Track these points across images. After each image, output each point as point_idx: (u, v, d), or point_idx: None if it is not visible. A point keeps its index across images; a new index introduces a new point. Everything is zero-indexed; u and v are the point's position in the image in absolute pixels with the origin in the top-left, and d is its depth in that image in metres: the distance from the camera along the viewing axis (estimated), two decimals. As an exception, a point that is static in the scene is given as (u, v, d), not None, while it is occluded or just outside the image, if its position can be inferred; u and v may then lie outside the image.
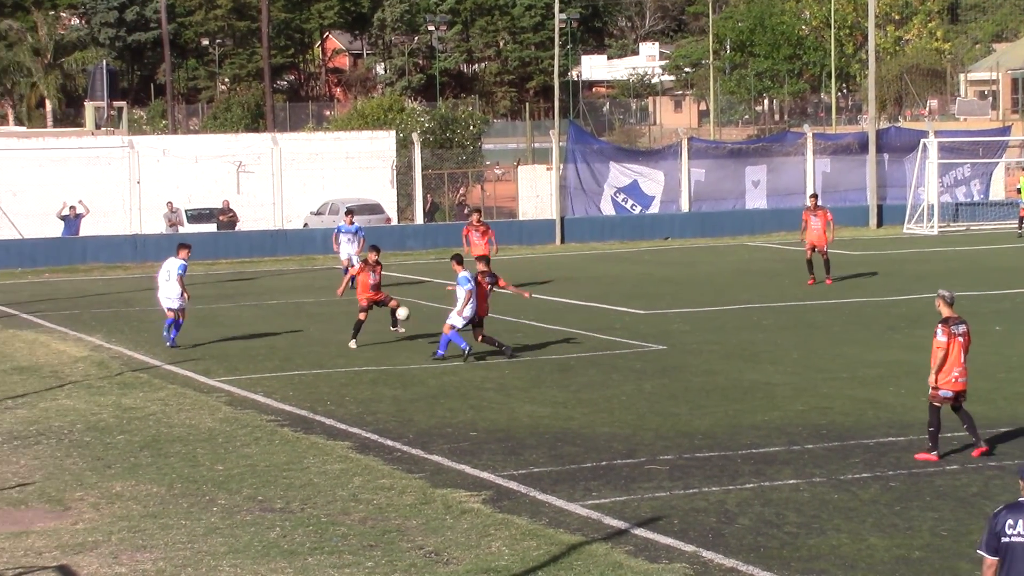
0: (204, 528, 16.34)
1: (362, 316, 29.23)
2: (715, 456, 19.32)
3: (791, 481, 17.97)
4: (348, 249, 39.23)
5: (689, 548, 15.23)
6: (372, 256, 29.49)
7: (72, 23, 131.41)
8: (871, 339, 29.29)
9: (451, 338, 27.28)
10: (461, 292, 27.32)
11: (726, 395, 23.61)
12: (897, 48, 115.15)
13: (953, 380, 18.80)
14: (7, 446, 20.90)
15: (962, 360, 18.83)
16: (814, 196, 40.77)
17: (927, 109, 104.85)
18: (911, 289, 37.04)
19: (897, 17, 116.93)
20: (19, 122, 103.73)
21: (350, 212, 42.07)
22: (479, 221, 37.19)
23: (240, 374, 26.45)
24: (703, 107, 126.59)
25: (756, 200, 58.36)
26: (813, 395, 23.38)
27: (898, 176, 58.98)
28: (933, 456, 18.84)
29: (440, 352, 27.47)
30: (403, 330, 30.05)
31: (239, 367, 27.25)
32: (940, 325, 18.82)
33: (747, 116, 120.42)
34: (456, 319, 27.34)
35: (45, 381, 26.24)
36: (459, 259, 28.17)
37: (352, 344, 29.06)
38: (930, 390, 18.90)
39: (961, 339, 18.80)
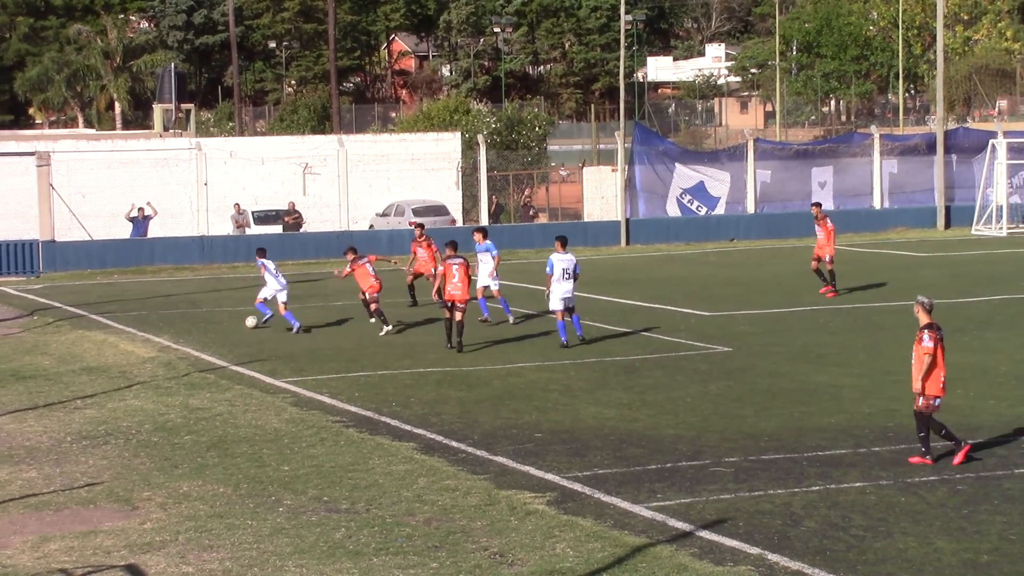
0: (270, 528, 16.40)
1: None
2: (781, 458, 19.23)
3: (857, 484, 17.86)
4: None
5: (754, 551, 15.19)
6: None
7: (141, 26, 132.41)
8: (939, 341, 29.01)
9: (501, 304, 31.53)
10: (488, 260, 31.44)
11: (792, 397, 23.49)
12: (966, 48, 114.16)
13: (941, 386, 18.65)
14: (76, 446, 21.06)
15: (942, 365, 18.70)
16: (816, 205, 39.58)
17: (996, 109, 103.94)
18: (979, 291, 36.74)
19: (966, 17, 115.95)
20: (89, 125, 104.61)
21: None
22: (422, 235, 35.76)
23: (306, 375, 26.56)
24: (769, 108, 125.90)
25: (823, 201, 57.98)
26: (880, 397, 23.23)
27: (966, 177, 58.51)
28: (929, 460, 18.69)
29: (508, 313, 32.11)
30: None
31: (305, 368, 27.36)
32: (926, 331, 18.62)
33: (813, 117, 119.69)
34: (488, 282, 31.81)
35: (114, 381, 26.44)
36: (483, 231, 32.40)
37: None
38: (919, 399, 18.69)
39: (941, 345, 18.64)
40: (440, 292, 30.10)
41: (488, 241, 33.09)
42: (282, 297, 32.44)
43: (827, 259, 36.86)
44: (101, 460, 20.08)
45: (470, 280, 29.48)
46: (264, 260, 32.78)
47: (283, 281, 32.75)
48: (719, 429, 21.17)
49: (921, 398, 18.75)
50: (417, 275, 35.59)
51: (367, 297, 32.23)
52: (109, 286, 43.54)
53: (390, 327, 31.57)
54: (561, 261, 29.16)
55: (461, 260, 29.30)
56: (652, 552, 15.20)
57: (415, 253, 35.77)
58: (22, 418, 23.25)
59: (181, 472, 19.24)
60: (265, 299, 32.87)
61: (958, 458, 18.74)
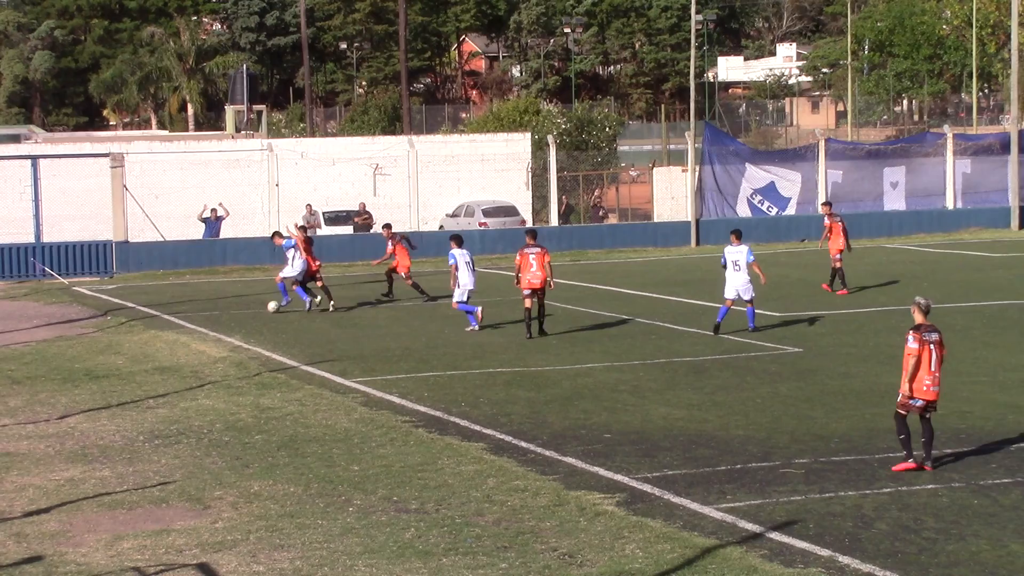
0: (340, 528, 16.43)
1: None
2: (851, 460, 19.11)
3: (929, 486, 17.72)
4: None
5: (825, 553, 15.08)
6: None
7: (214, 28, 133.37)
8: (1013, 343, 28.81)
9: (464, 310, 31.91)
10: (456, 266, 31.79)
11: (863, 399, 23.35)
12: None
13: (925, 388, 18.38)
14: (149, 445, 21.20)
15: (932, 368, 18.39)
16: (826, 204, 41.50)
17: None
18: (1054, 292, 36.37)
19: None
20: (161, 126, 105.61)
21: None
22: (391, 234, 37.92)
23: (376, 375, 26.61)
24: (841, 108, 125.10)
25: (895, 202, 57.64)
26: (952, 399, 22.98)
27: (1041, 177, 57.92)
28: (911, 464, 18.45)
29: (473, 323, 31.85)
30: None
31: (375, 368, 27.42)
32: (912, 332, 18.38)
33: (886, 117, 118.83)
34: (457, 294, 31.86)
35: (186, 381, 26.62)
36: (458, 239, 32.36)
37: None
38: (900, 398, 18.50)
39: (933, 347, 18.38)
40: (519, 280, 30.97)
41: (461, 249, 32.10)
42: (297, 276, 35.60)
43: (834, 256, 37.69)
44: (173, 459, 20.21)
45: (549, 268, 30.63)
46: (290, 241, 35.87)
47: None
48: (789, 430, 21.06)
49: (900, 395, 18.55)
50: (393, 270, 37.79)
51: (404, 274, 36.42)
52: (181, 286, 43.86)
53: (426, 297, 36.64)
54: (732, 253, 30.55)
55: (539, 249, 30.67)
56: (722, 553, 15.12)
57: (392, 252, 37.62)
58: (95, 417, 23.44)
59: (252, 471, 19.31)
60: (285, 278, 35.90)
61: (898, 465, 18.49)
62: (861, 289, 38.27)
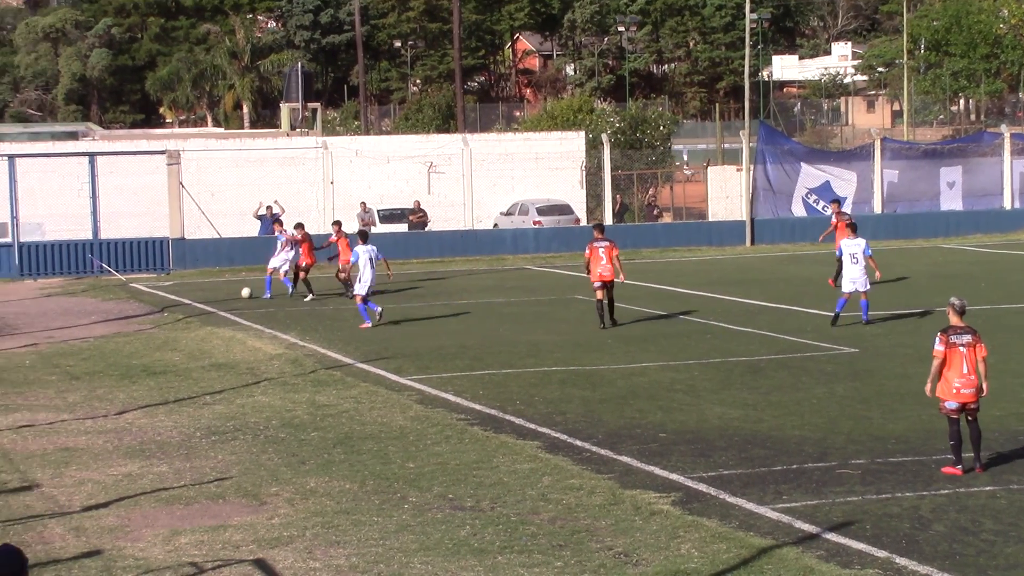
0: (396, 525, 16.42)
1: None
2: (909, 461, 18.99)
3: (987, 488, 17.59)
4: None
5: (882, 554, 14.98)
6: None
7: (268, 26, 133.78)
8: (1071, 344, 28.57)
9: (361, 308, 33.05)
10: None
11: (920, 400, 22.99)
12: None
13: (955, 391, 18.24)
14: (205, 441, 21.29)
15: (964, 370, 18.27)
16: (835, 202, 43.48)
17: None
18: (1113, 293, 36.08)
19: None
20: (217, 124, 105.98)
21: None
22: (340, 231, 39.19)
23: (431, 373, 26.64)
24: (896, 107, 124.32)
25: (951, 201, 57.32)
26: (1011, 400, 22.87)
27: (1100, 177, 57.52)
28: (958, 470, 18.29)
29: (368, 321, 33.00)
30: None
31: (430, 366, 27.46)
32: (939, 334, 18.32)
33: (942, 116, 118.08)
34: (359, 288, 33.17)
35: (242, 378, 26.73)
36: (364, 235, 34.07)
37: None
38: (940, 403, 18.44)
39: (963, 349, 18.24)
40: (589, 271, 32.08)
41: (366, 246, 33.31)
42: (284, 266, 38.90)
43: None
44: (230, 455, 20.28)
45: (617, 262, 31.62)
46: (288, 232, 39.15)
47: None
48: (845, 431, 20.94)
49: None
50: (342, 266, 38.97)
51: (306, 267, 39.02)
52: (237, 283, 44.02)
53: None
54: (850, 246, 31.25)
55: (607, 243, 31.64)
56: (778, 554, 15.04)
57: (334, 242, 38.97)
58: (153, 413, 23.58)
59: (308, 468, 19.34)
60: (275, 268, 39.46)
61: (946, 468, 18.38)
62: (917, 290, 38.05)
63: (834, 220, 40.60)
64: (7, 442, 21.59)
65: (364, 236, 33.96)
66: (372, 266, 32.91)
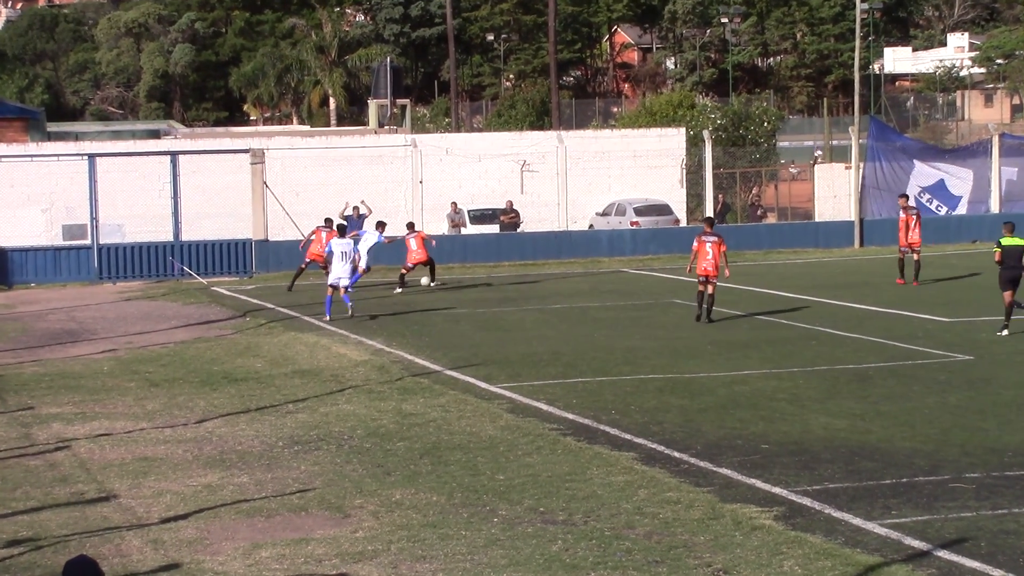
0: (484, 539, 16.13)
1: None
2: (1027, 475, 18.46)
3: (1112, 505, 16.98)
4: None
5: (998, 572, 14.53)
6: None
7: (356, 20, 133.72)
8: None
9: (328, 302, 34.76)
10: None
11: (1039, 410, 22.56)
12: None
13: None
14: (288, 451, 21.05)
15: None
16: (904, 196, 42.71)
17: None
18: None
19: None
20: (302, 121, 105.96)
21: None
22: (327, 224, 41.59)
23: (522, 380, 26.31)
24: (1016, 101, 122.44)
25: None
26: None
27: None
28: None
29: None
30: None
31: (521, 373, 27.11)
32: None
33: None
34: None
35: (326, 385, 26.46)
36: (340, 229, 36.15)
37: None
38: None
39: None
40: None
41: (340, 239, 35.50)
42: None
43: (916, 249, 39.47)
44: (313, 466, 20.02)
45: (724, 258, 32.75)
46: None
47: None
48: (959, 443, 20.37)
49: None
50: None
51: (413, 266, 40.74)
52: (323, 288, 43.59)
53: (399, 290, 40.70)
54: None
55: (716, 238, 32.71)
56: (886, 572, 14.63)
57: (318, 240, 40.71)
58: (234, 422, 23.38)
59: (394, 480, 19.05)
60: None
61: None
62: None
63: (902, 216, 39.64)
64: (84, 451, 21.47)
65: (341, 230, 36.08)
66: (346, 260, 34.74)
